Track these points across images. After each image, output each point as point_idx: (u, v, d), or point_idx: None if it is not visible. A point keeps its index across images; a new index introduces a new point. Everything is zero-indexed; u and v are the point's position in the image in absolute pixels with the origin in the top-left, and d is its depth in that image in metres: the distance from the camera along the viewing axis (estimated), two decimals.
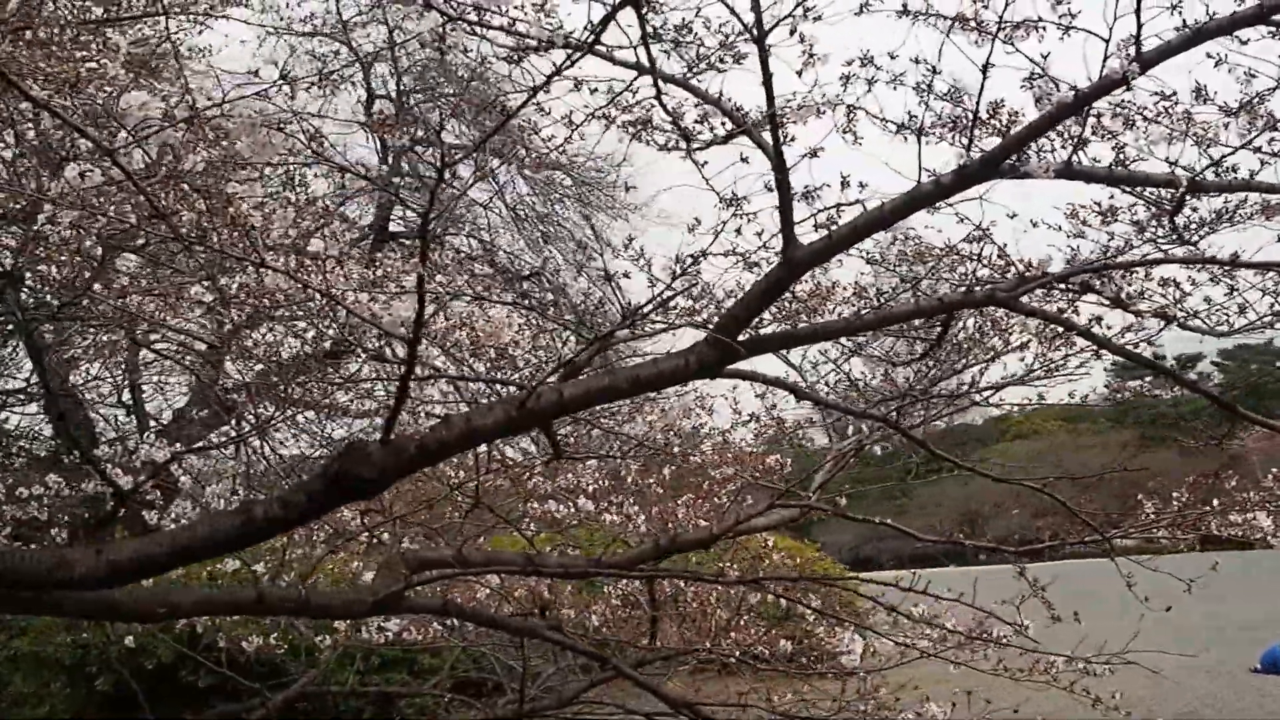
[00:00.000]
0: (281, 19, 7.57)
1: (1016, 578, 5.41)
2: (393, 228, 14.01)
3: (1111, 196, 4.18)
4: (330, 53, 12.01)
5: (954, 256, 4.31)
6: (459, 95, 12.70)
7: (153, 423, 11.89)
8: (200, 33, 5.07)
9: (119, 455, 8.27)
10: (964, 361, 5.13)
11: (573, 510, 6.94)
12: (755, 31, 3.36)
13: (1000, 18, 3.36)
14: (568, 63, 3.10)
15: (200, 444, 6.39)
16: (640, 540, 6.10)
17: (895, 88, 3.86)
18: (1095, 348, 4.79)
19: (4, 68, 2.52)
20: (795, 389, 4.12)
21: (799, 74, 3.74)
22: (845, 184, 3.89)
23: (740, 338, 3.86)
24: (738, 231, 4.10)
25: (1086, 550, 6.02)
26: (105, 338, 7.93)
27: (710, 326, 4.21)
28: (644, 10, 3.08)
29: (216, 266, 3.84)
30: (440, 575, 5.08)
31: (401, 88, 13.39)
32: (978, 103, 3.55)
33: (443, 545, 5.38)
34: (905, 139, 3.89)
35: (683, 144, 4.21)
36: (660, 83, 3.71)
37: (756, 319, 4.15)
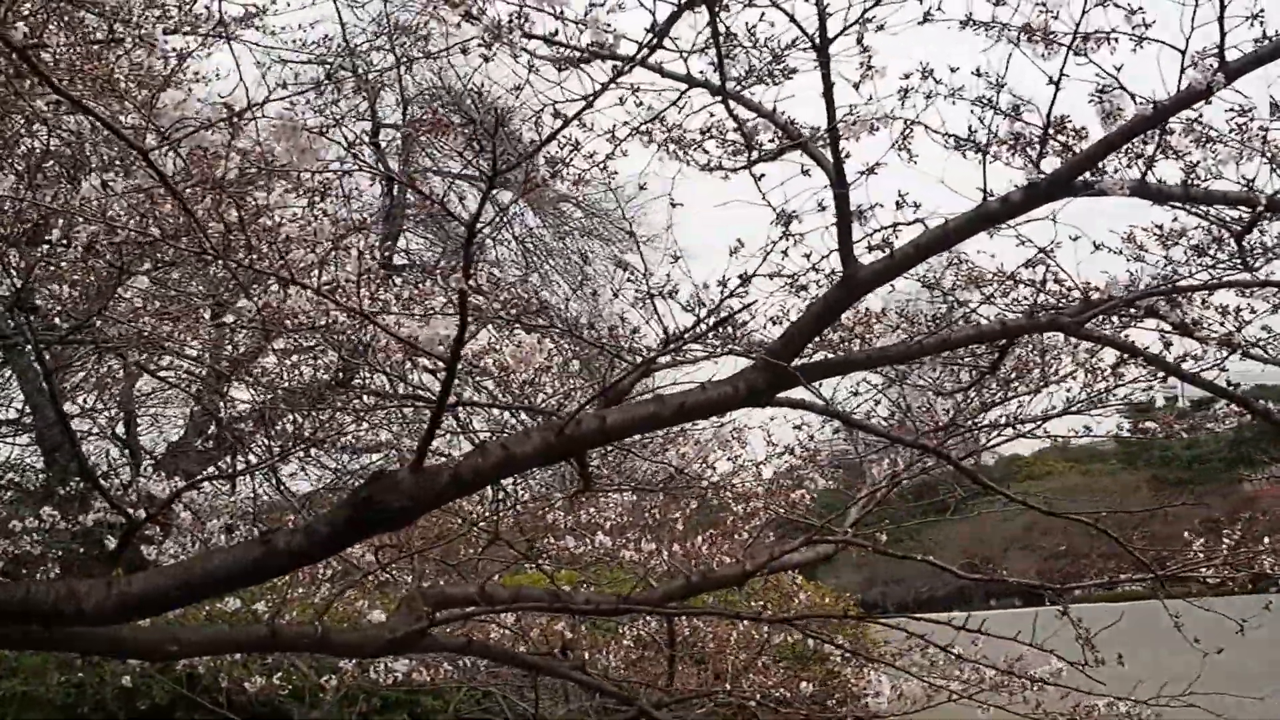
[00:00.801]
0: (292, 41, 7.38)
1: (1059, 618, 5.20)
2: (395, 261, 13.85)
3: (1174, 219, 4.00)
4: (335, 81, 11.84)
5: (1010, 281, 4.12)
6: (469, 122, 12.54)
7: (146, 456, 11.66)
8: (208, 55, 4.89)
9: (115, 488, 8.04)
10: (1006, 392, 4.95)
11: (590, 546, 6.73)
12: (818, 39, 3.18)
13: (1076, 27, 3.18)
14: (626, 68, 2.91)
15: (210, 474, 6.16)
16: (666, 577, 5.89)
17: (954, 102, 3.69)
18: (1149, 378, 4.64)
19: (40, 68, 2.33)
20: (848, 418, 3.92)
21: (856, 87, 3.57)
22: (900, 203, 3.71)
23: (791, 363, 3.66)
24: (785, 254, 3.92)
25: (1121, 592, 5.83)
26: (106, 365, 7.71)
27: (752, 354, 4.02)
28: (716, 9, 2.88)
29: (239, 285, 3.63)
30: (463, 614, 4.86)
31: (408, 116, 13.25)
32: (1048, 117, 3.37)
33: (465, 582, 5.15)
34: (965, 156, 3.71)
35: (726, 162, 4.04)
36: (713, 94, 3.53)
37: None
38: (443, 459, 4.30)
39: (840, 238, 3.46)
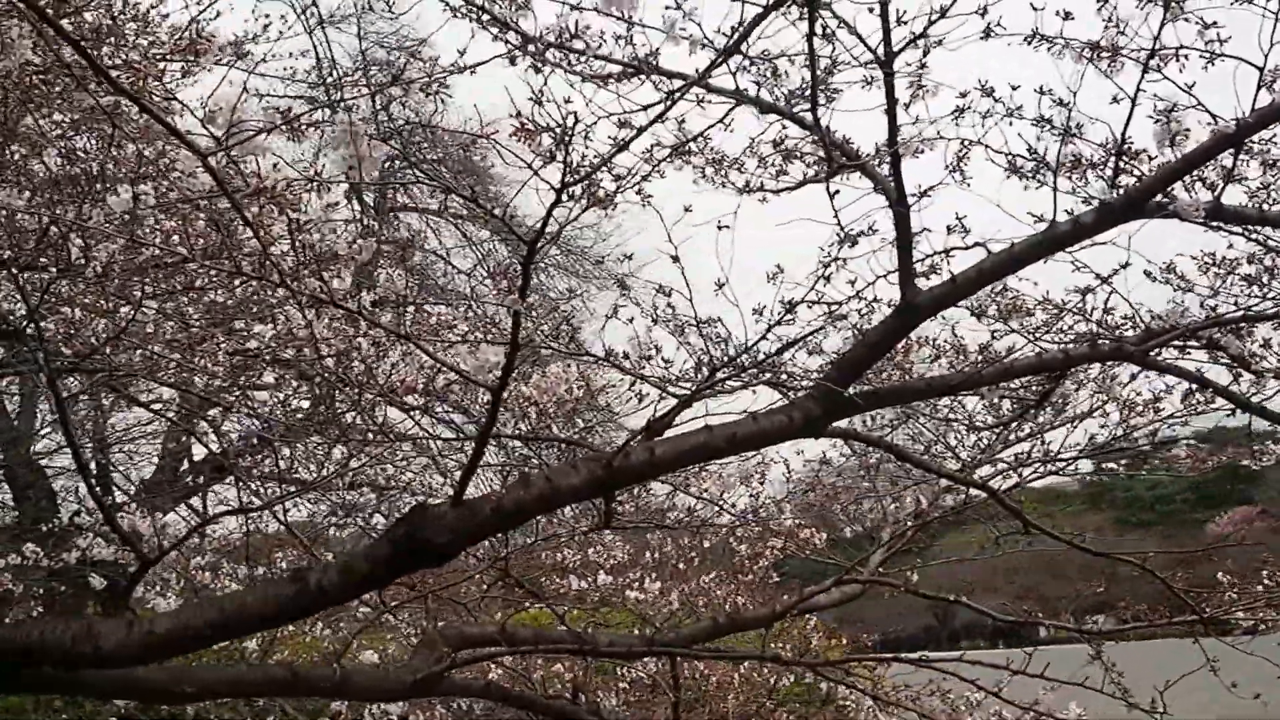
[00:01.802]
0: (284, 69, 7.22)
1: (1091, 660, 5.06)
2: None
3: (1229, 245, 3.90)
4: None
5: (1055, 309, 4.01)
6: (443, 161, 12.46)
7: (119, 494, 11.37)
8: (193, 83, 4.69)
9: (98, 524, 7.78)
10: (1038, 425, 4.83)
11: (592, 585, 6.55)
12: (883, 53, 3.06)
13: (1154, 40, 3.07)
14: (698, 76, 2.77)
15: (225, 511, 5.95)
16: (679, 617, 5.73)
17: (1011, 122, 3.58)
18: (1185, 412, 4.54)
19: (96, 63, 2.16)
20: (901, 451, 3.78)
21: (906, 106, 3.44)
22: (953, 228, 3.60)
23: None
24: (827, 280, 3.78)
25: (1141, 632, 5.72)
26: (89, 396, 7.48)
27: (797, 386, 3.88)
28: (816, 9, 2.73)
29: (262, 308, 3.46)
30: (475, 655, 4.67)
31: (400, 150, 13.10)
32: (1122, 136, 3.26)
33: (479, 623, 4.96)
34: (1024, 177, 3.60)
35: (769, 183, 3.92)
36: (762, 111, 3.40)
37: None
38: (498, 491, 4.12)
39: (900, 261, 3.32)
